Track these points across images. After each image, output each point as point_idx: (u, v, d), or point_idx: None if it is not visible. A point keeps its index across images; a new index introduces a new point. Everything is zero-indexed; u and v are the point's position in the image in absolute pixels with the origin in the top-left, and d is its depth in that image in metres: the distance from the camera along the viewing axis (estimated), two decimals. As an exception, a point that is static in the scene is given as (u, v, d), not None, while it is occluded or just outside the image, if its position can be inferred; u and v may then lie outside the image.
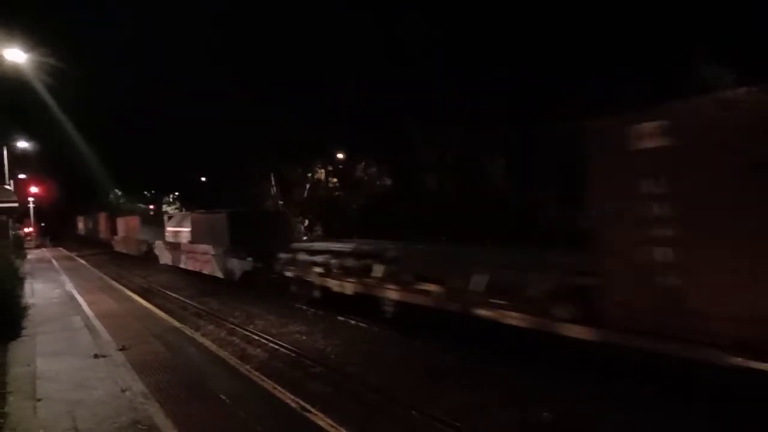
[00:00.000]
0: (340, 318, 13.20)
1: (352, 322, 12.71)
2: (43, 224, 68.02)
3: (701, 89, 6.51)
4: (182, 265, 24.64)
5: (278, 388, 7.68)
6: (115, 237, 43.32)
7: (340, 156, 48.77)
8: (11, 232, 31.56)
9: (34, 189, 57.01)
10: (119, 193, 77.52)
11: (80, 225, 67.43)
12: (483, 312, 9.22)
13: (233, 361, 9.28)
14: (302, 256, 15.61)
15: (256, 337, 12.15)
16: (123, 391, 7.53)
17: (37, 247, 50.84)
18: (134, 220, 37.52)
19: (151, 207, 71.05)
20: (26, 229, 56.44)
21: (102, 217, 53.04)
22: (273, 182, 49.30)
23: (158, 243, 29.65)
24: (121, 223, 42.20)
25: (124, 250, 39.20)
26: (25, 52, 16.88)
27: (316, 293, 14.56)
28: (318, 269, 14.66)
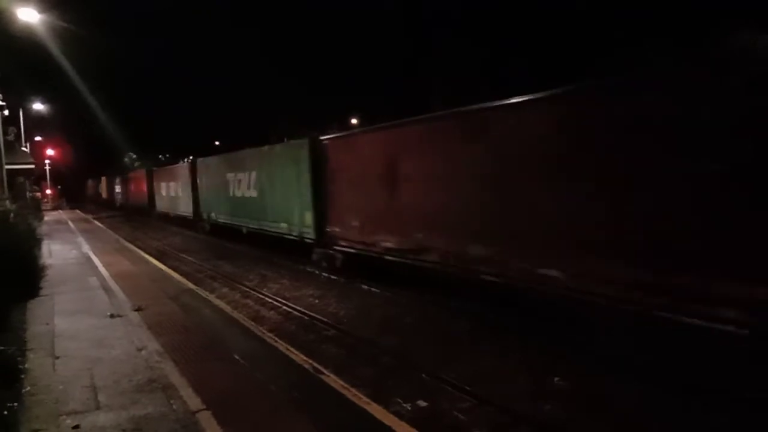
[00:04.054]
0: (353, 283, 13.23)
1: (365, 287, 12.74)
2: (59, 186, 68.71)
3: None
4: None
5: (292, 349, 7.73)
6: None
7: (354, 122, 48.48)
8: (28, 194, 31.93)
9: (50, 151, 57.48)
10: (134, 156, 78.11)
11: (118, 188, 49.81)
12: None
13: (247, 322, 9.34)
14: None
15: (270, 300, 12.25)
16: (139, 350, 7.63)
17: (54, 209, 51.36)
18: None
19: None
20: (44, 191, 57.01)
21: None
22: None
23: None
24: None
25: None
26: (40, 12, 16.67)
27: None
28: None
